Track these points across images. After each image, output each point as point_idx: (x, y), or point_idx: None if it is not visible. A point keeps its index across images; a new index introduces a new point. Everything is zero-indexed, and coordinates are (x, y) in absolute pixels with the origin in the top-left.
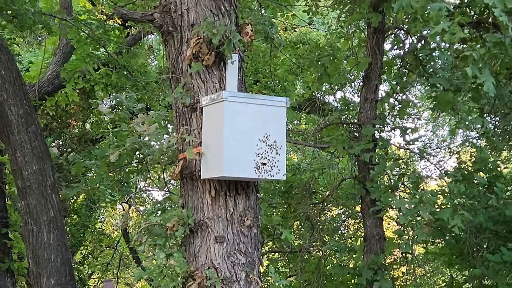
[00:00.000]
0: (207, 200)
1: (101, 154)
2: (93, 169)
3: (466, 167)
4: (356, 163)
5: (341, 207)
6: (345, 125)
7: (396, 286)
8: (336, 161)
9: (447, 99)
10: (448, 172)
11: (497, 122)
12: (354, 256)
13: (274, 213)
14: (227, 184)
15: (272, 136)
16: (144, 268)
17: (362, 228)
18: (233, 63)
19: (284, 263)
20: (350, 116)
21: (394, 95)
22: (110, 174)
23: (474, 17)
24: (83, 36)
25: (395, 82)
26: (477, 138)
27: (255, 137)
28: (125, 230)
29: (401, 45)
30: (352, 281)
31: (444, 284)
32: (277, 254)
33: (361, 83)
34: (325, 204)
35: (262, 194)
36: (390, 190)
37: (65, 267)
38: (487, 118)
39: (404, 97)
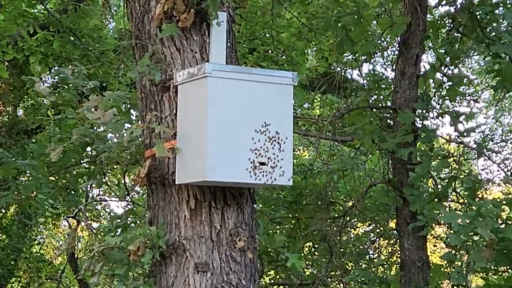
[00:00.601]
0: (184, 213)
1: (38, 151)
2: (28, 172)
3: None
4: (389, 162)
5: (369, 222)
6: (374, 110)
7: None
8: (363, 159)
9: None
10: None
11: None
12: None
13: (278, 232)
14: (212, 192)
15: (273, 126)
16: None
17: (398, 252)
18: (220, 25)
19: None
20: (382, 98)
21: (442, 68)
22: (51, 178)
23: None
24: None
25: (443, 51)
26: None
27: (251, 127)
28: (72, 255)
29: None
30: None
31: None
32: (282, 287)
33: (397, 52)
34: (348, 218)
35: (260, 206)
36: (436, 199)
37: None
38: None
39: (455, 71)
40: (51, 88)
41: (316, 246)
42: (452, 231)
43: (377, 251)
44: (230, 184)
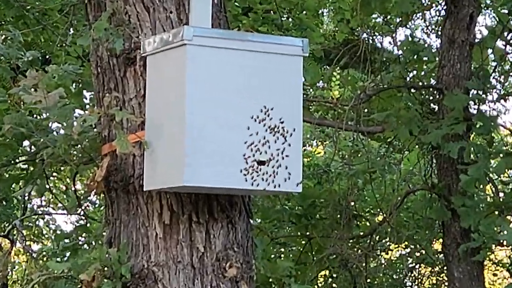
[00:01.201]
0: (155, 230)
1: None
2: None
3: None
4: (433, 161)
5: (406, 243)
6: (413, 91)
7: None
8: (397, 157)
9: None
10: None
11: None
12: None
13: (282, 256)
14: (193, 202)
15: (276, 112)
16: None
17: (446, 283)
18: None
19: None
20: (423, 74)
21: (505, 33)
22: None
23: None
24: None
25: (506, 11)
26: None
27: (245, 114)
28: (5, 286)
29: None
30: None
31: None
32: None
33: (443, 13)
34: (377, 238)
35: (259, 220)
36: (497, 212)
37: None
38: None
39: None
40: None
41: (335, 275)
42: None
43: (417, 282)
44: (218, 191)
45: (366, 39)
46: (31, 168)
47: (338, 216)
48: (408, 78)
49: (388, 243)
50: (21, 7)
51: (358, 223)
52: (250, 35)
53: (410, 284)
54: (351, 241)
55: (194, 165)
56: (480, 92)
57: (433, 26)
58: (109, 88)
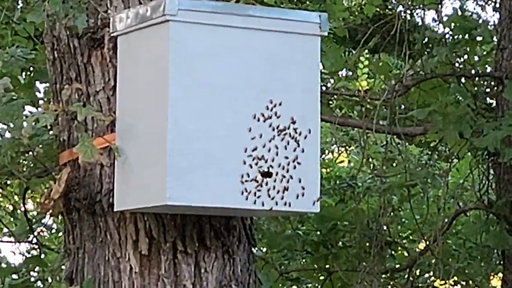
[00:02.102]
0: (130, 263)
1: None
2: None
3: None
4: (491, 171)
5: (455, 278)
6: (463, 81)
7: None
8: (443, 167)
9: None
10: None
11: None
12: None
13: None
14: (178, 226)
15: (286, 108)
16: None
17: None
18: None
19: None
20: (477, 59)
21: None
22: None
23: None
24: None
25: None
26: None
27: (246, 110)
28: None
29: None
30: None
31: None
32: None
33: None
34: (418, 272)
35: (265, 250)
36: None
37: None
38: None
39: None
40: None
41: None
42: None
43: None
44: (211, 212)
45: (403, 14)
46: None
47: (367, 243)
48: (457, 64)
49: (432, 278)
50: None
51: (393, 252)
52: (252, 9)
53: None
54: (384, 276)
55: (180, 178)
56: None
57: None
58: (69, 78)
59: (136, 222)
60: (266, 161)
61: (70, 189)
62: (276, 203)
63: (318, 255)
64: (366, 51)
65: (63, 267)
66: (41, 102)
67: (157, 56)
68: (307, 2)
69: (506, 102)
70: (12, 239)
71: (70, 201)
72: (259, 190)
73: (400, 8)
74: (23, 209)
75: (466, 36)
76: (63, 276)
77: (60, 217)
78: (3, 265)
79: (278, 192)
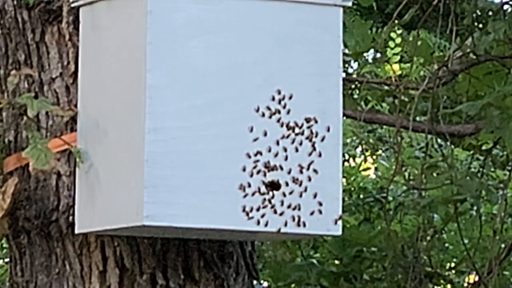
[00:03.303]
0: None
1: None
2: None
3: None
4: None
5: None
6: None
7: None
8: (500, 176)
9: None
10: None
11: None
12: None
13: None
14: (157, 253)
15: (298, 100)
16: None
17: None
18: None
19: None
20: None
21: None
22: None
23: None
24: None
25: None
26: None
27: (246, 103)
28: None
29: None
30: None
31: None
32: None
33: None
34: None
35: (270, 283)
36: None
37: None
38: None
39: None
40: None
41: None
42: None
43: None
44: (200, 235)
45: None
46: None
47: (401, 275)
48: None
49: None
50: None
51: (435, 286)
52: None
53: None
54: None
55: (160, 191)
56: None
57: None
58: (17, 61)
59: (103, 248)
60: (272, 169)
61: (18, 205)
62: (286, 223)
63: None
64: (400, 26)
65: None
66: None
67: (131, 33)
68: None
69: None
70: None
71: (18, 220)
72: (263, 207)
73: None
74: None
75: None
76: None
77: (4, 240)
78: None
79: (288, 208)
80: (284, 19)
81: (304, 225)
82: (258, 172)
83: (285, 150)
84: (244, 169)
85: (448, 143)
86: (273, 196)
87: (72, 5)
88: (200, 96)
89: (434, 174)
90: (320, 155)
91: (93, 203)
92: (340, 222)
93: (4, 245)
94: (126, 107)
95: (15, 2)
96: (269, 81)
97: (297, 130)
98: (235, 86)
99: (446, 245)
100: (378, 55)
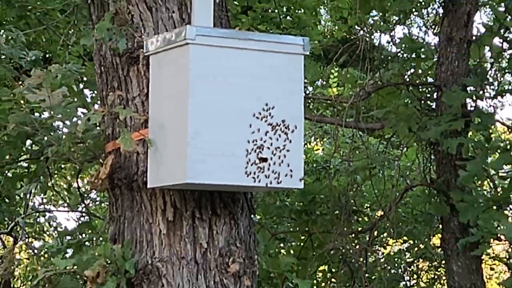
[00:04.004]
0: (159, 227)
1: None
2: None
3: None
4: (432, 157)
5: (405, 238)
6: (411, 88)
7: None
8: (396, 153)
9: None
10: None
11: None
12: None
13: (283, 251)
14: (196, 198)
15: (278, 109)
16: None
17: (445, 277)
18: None
19: None
20: (421, 71)
21: (502, 31)
22: None
23: None
24: None
25: (503, 8)
26: None
27: (247, 111)
28: (7, 284)
29: None
30: None
31: None
32: None
33: (441, 11)
34: (376, 233)
35: (260, 217)
36: (495, 207)
37: None
38: None
39: None
40: None
41: (334, 270)
42: None
43: (415, 277)
44: (221, 188)
45: (365, 37)
46: (34, 166)
47: (338, 212)
48: (406, 76)
49: (387, 238)
50: (22, 7)
51: (358, 218)
52: (252, 34)
53: (408, 278)
54: (350, 236)
55: (197, 162)
56: (478, 89)
57: (431, 24)
58: (113, 86)
59: (164, 196)
60: (263, 150)
61: (114, 171)
62: (270, 182)
63: (301, 220)
64: (337, 66)
65: (108, 230)
66: (96, 106)
67: (179, 70)
68: (291, 29)
69: (444, 104)
70: (66, 209)
71: (114, 180)
72: (258, 172)
73: (362, 33)
74: (76, 186)
75: (413, 55)
76: (108, 237)
77: (105, 192)
78: (60, 229)
79: (272, 173)
80: (271, 62)
81: (281, 182)
82: (255, 151)
83: (270, 138)
84: (247, 150)
85: (365, 134)
86: (263, 166)
87: (145, 54)
88: (221, 107)
89: (357, 152)
90: (290, 141)
91: (157, 170)
92: (302, 181)
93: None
94: (176, 114)
95: (111, 52)
96: (261, 99)
97: (277, 127)
98: (242, 102)
99: (365, 194)
100: (324, 82)
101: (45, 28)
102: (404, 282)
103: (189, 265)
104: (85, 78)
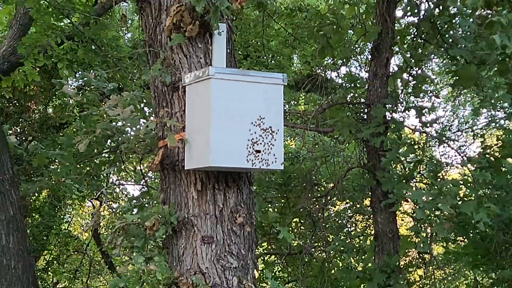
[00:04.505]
0: (192, 194)
1: (67, 143)
2: (57, 161)
3: (492, 152)
4: (364, 149)
5: (347, 201)
6: (351, 106)
7: None
8: (341, 147)
9: (469, 74)
10: (472, 159)
11: None
12: (363, 257)
13: (270, 209)
14: (215, 176)
15: (267, 119)
16: (119, 275)
17: (372, 225)
18: (221, 34)
19: (282, 266)
20: (357, 95)
21: (408, 69)
22: (77, 166)
23: None
24: (44, 4)
25: (409, 55)
26: (505, 118)
27: (248, 120)
28: (96, 231)
29: (416, 11)
30: (362, 286)
31: (468, 287)
32: (273, 256)
33: (370, 56)
34: (329, 197)
35: (255, 187)
36: (404, 180)
37: (27, 275)
38: None
39: (419, 72)
40: (77, 90)
41: (302, 221)
42: (417, 207)
43: (354, 225)
44: (231, 169)
45: (321, 73)
46: (113, 156)
47: (304, 184)
48: (348, 97)
49: (336, 201)
50: (104, 55)
51: (317, 188)
52: (250, 72)
53: (349, 226)
54: (313, 199)
55: (216, 154)
56: (393, 106)
57: (363, 65)
58: (162, 105)
59: (195, 174)
60: (258, 145)
61: (163, 159)
62: (262, 165)
63: (282, 190)
64: (304, 92)
65: (159, 197)
66: (148, 117)
67: (205, 95)
68: (274, 68)
69: (372, 116)
70: (133, 183)
71: (163, 165)
72: (254, 160)
73: (319, 71)
74: (139, 168)
75: (352, 84)
76: (160, 201)
77: (158, 172)
78: (129, 196)
79: (263, 159)
80: (263, 90)
81: (269, 166)
82: (252, 146)
83: (262, 138)
84: (247, 145)
85: (322, 135)
86: (258, 156)
87: (183, 85)
88: (232, 118)
89: (317, 146)
90: (275, 140)
91: (191, 157)
92: (282, 165)
93: (157, 174)
94: (203, 123)
95: (161, 84)
96: (256, 113)
97: (266, 131)
98: (245, 115)
99: (322, 173)
100: (296, 102)
101: (119, 68)
102: (346, 229)
103: (211, 218)
104: (144, 100)
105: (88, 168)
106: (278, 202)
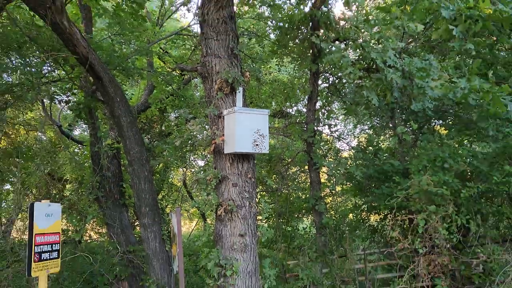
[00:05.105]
0: (227, 164)
1: (171, 142)
2: (166, 150)
3: (363, 144)
4: (305, 143)
5: (298, 167)
6: (299, 123)
7: (327, 207)
8: (295, 143)
9: (352, 109)
10: (353, 147)
11: (378, 119)
12: (305, 192)
13: (263, 171)
14: (238, 156)
15: (261, 130)
16: (195, 202)
17: (309, 178)
18: (240, 92)
19: (268, 197)
20: (302, 118)
21: (325, 107)
22: (176, 152)
23: (365, 65)
24: (160, 80)
25: (324, 101)
26: (368, 129)
27: (252, 131)
28: (184, 181)
29: (328, 80)
30: (304, 205)
31: (352, 206)
32: (264, 192)
33: (307, 101)
34: (289, 165)
35: (256, 160)
36: (323, 157)
37: (153, 201)
38: (374, 118)
39: (329, 108)
40: (174, 117)
41: (277, 176)
42: (329, 169)
43: (300, 177)
44: (244, 153)
45: (285, 109)
46: (191, 148)
47: (278, 159)
48: (298, 120)
49: (292, 166)
50: (187, 102)
51: (284, 161)
52: (253, 109)
53: (297, 180)
54: (282, 167)
55: (238, 145)
56: (318, 124)
57: (305, 105)
58: (213, 124)
59: (229, 155)
60: (257, 142)
61: (215, 148)
62: (259, 150)
63: (268, 163)
64: (279, 118)
65: (213, 165)
66: (207, 130)
67: (233, 120)
68: (264, 107)
69: (309, 128)
70: (201, 159)
71: (215, 151)
72: (256, 148)
73: (284, 108)
74: (203, 153)
75: (299, 114)
76: (213, 168)
77: (212, 155)
78: (199, 166)
79: (260, 148)
80: (259, 117)
81: (262, 151)
82: (254, 142)
83: (259, 138)
84: (252, 142)
85: (286, 137)
86: (258, 145)
87: (223, 115)
88: (246, 129)
89: (283, 142)
90: (264, 139)
91: (227, 147)
92: (268, 150)
93: (211, 156)
94: (233, 132)
95: (213, 115)
96: (256, 127)
97: (260, 135)
98: (252, 128)
99: (285, 154)
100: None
101: (194, 108)
102: (297, 179)
103: (236, 175)
104: (205, 122)
105: (180, 153)
106: (266, 167)
